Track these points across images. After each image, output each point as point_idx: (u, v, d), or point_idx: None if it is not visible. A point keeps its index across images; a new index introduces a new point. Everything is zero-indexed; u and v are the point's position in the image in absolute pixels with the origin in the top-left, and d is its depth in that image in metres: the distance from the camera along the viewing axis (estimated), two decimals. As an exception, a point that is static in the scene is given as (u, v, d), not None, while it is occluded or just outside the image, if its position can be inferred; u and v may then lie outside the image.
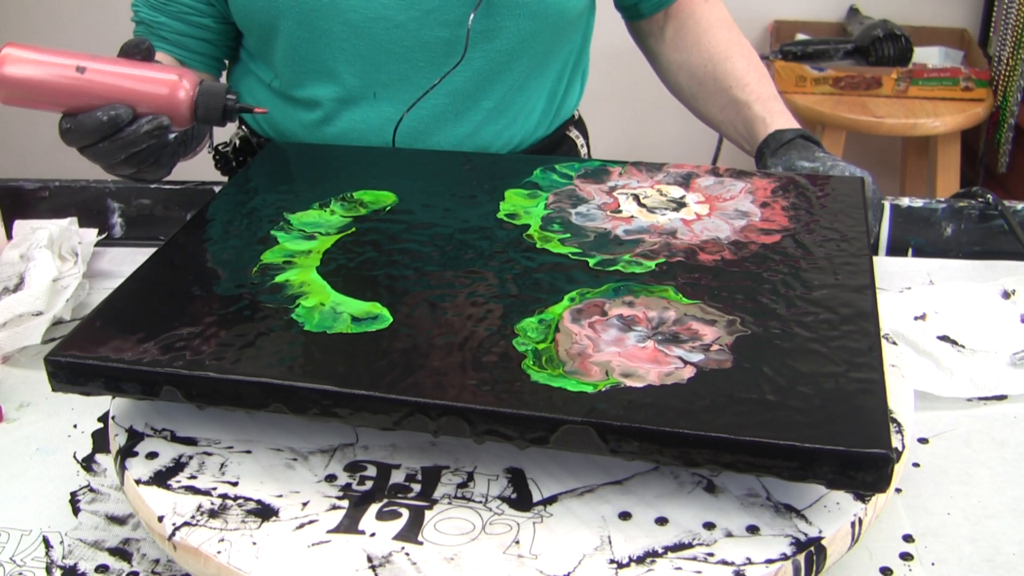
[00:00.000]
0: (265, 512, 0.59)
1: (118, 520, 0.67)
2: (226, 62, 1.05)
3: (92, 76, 0.77)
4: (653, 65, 1.16)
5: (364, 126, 1.00)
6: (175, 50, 0.99)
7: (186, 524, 0.58)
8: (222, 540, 0.57)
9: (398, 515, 0.58)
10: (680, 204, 0.79)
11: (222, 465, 0.62)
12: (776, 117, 1.00)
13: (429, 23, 0.94)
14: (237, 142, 1.12)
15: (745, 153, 1.05)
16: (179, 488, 0.61)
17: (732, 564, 0.54)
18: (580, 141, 1.15)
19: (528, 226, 0.76)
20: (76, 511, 0.68)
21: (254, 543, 0.57)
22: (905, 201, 1.01)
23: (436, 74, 0.96)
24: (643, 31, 1.14)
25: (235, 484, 0.61)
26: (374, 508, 0.59)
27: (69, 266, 0.93)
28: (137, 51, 0.79)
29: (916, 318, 0.86)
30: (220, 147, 1.13)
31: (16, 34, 2.44)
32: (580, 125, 1.16)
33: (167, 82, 0.78)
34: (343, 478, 0.61)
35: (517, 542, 0.56)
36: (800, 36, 2.34)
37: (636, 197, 0.80)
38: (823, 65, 2.20)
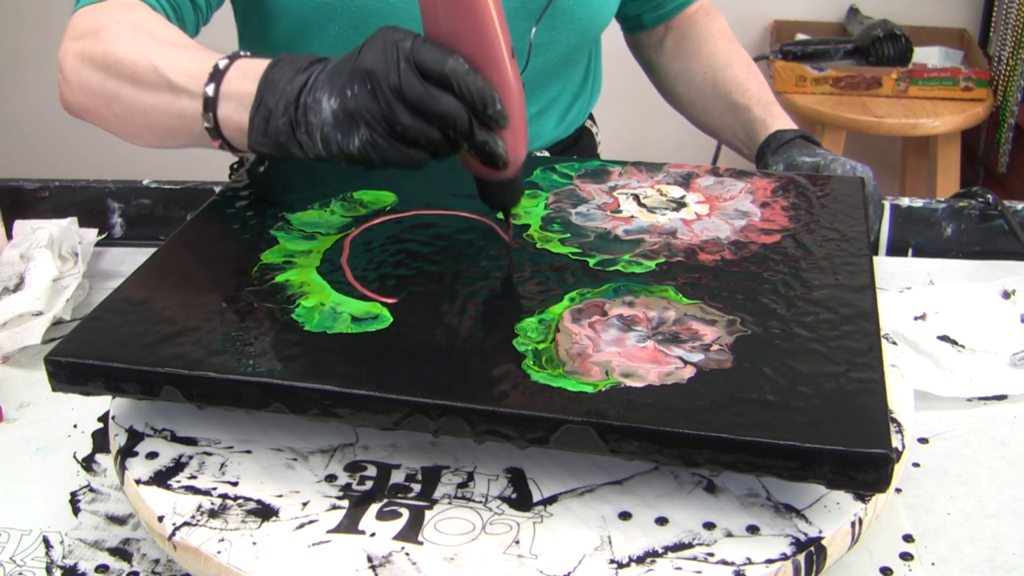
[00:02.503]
0: (265, 512, 0.59)
1: (118, 520, 0.67)
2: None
3: (512, 67, 0.66)
4: (650, 75, 1.17)
5: None
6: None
7: (186, 524, 0.58)
8: (222, 540, 0.57)
9: (398, 515, 0.58)
10: (680, 204, 0.79)
11: (222, 465, 0.62)
12: (776, 119, 1.01)
13: None
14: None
15: (744, 157, 1.06)
16: (179, 488, 0.61)
17: (732, 564, 0.54)
18: (595, 130, 1.18)
19: (528, 226, 0.76)
20: (76, 511, 0.68)
21: (254, 543, 0.57)
22: (905, 201, 1.01)
23: None
24: (642, 43, 1.15)
25: (235, 484, 0.61)
26: (374, 508, 0.59)
27: (69, 266, 0.93)
28: None
29: (916, 318, 0.86)
30: (235, 166, 1.13)
31: (13, 33, 2.45)
32: (591, 116, 1.19)
33: (527, 139, 0.69)
34: (343, 478, 0.61)
35: (517, 542, 0.56)
36: (800, 36, 2.34)
37: (636, 197, 0.80)
38: (823, 65, 2.20)
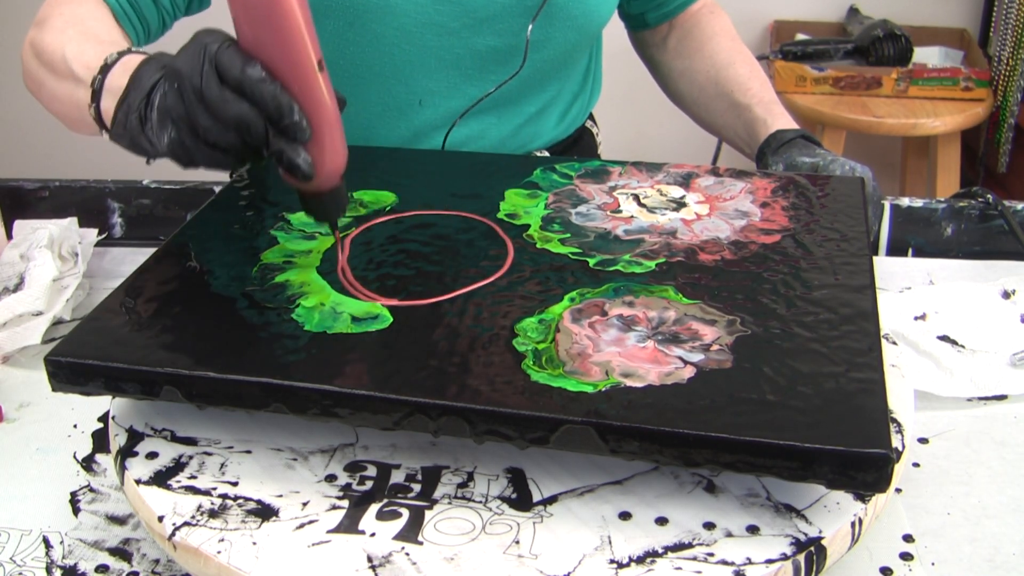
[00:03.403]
0: (265, 512, 0.59)
1: (118, 520, 0.67)
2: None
3: (322, 78, 0.65)
4: (654, 73, 1.17)
5: (407, 132, 0.99)
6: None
7: (186, 524, 0.58)
8: (222, 540, 0.57)
9: (398, 515, 0.58)
10: (680, 204, 0.79)
11: (222, 465, 0.62)
12: (777, 119, 1.01)
13: (483, 32, 0.94)
14: None
15: (745, 157, 1.06)
16: (179, 488, 0.61)
17: (732, 564, 0.54)
18: (596, 130, 1.18)
19: (528, 226, 0.76)
20: (76, 511, 0.68)
21: (254, 543, 0.57)
22: (905, 201, 1.01)
23: (484, 82, 0.97)
24: (646, 41, 1.16)
25: (235, 484, 0.61)
26: (374, 508, 0.59)
27: (69, 266, 0.93)
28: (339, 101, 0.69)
29: (916, 318, 0.86)
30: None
31: (13, 33, 2.44)
32: (591, 116, 1.19)
33: (343, 153, 0.68)
34: (343, 478, 0.61)
35: (517, 542, 0.56)
36: (800, 36, 2.34)
37: (636, 197, 0.80)
38: (823, 65, 2.20)
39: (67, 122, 0.85)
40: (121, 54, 0.76)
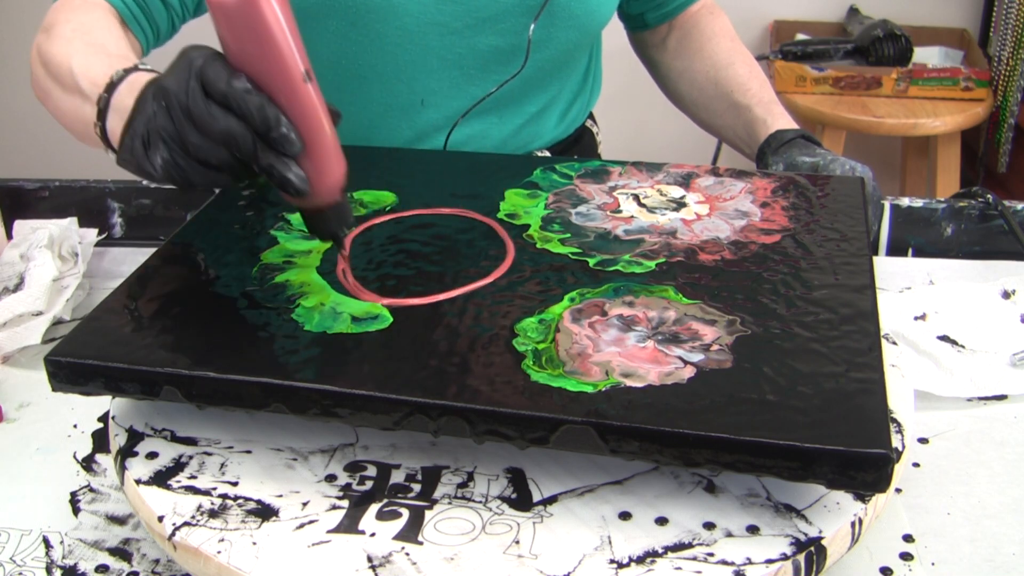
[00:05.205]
0: (265, 512, 0.59)
1: (118, 520, 0.67)
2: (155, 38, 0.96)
3: (310, 89, 0.63)
4: (653, 74, 1.17)
5: (410, 133, 0.99)
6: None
7: (186, 524, 0.58)
8: (222, 540, 0.57)
9: (398, 515, 0.58)
10: (680, 204, 0.79)
11: (222, 465, 0.62)
12: (777, 119, 1.01)
13: (485, 31, 0.95)
14: None
15: (745, 157, 1.06)
16: (179, 488, 0.61)
17: (732, 564, 0.54)
18: (596, 130, 1.18)
19: (528, 226, 0.76)
20: (76, 511, 0.68)
21: (254, 543, 0.57)
22: (905, 201, 1.01)
23: (486, 81, 0.97)
24: (646, 42, 1.16)
25: (235, 484, 0.61)
26: (374, 508, 0.59)
27: (69, 266, 0.93)
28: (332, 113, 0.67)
29: (916, 318, 0.86)
30: None
31: (14, 33, 2.44)
32: (591, 115, 1.19)
33: (340, 167, 0.65)
34: (343, 478, 0.61)
35: (517, 542, 0.56)
36: (800, 36, 2.34)
37: (636, 197, 0.80)
38: (823, 65, 2.20)
39: (74, 134, 0.83)
40: (127, 71, 0.74)
